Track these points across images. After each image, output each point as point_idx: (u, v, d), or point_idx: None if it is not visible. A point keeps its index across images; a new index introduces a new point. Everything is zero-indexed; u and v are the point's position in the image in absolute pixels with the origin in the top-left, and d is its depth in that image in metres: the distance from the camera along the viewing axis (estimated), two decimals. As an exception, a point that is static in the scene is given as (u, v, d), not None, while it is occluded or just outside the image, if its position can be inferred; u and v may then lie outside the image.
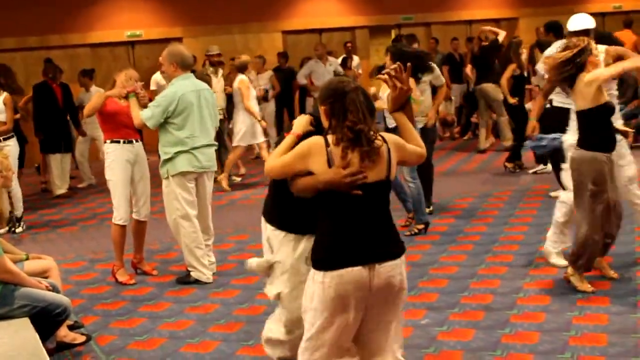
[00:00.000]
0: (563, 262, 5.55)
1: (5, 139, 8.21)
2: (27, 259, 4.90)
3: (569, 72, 4.94)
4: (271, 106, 12.47)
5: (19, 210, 8.43)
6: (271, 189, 3.66)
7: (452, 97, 13.39)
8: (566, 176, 5.51)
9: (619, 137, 5.34)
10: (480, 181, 9.49)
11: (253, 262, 3.66)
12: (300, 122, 3.38)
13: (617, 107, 5.51)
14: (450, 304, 5.12)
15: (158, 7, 14.92)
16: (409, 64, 3.36)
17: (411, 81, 3.57)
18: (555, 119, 6.31)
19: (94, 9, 14.36)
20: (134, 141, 6.15)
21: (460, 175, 10.02)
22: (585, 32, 5.46)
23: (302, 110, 12.87)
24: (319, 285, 3.13)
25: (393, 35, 15.60)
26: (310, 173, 3.15)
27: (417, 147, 3.34)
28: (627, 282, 5.25)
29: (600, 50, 5.42)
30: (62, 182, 10.38)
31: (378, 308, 3.20)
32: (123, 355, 4.69)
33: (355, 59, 13.91)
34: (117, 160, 6.06)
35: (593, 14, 6.77)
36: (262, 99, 11.53)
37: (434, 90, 7.60)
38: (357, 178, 3.07)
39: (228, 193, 9.76)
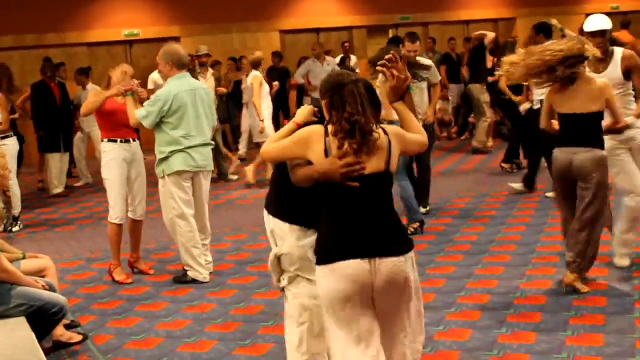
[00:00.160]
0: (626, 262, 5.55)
1: (2, 138, 8.19)
2: (24, 257, 4.88)
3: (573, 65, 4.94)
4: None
5: (16, 209, 8.41)
6: (274, 181, 3.62)
7: (450, 97, 13.41)
8: (620, 179, 5.45)
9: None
10: (477, 181, 9.50)
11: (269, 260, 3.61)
12: (302, 112, 3.39)
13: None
14: (446, 303, 5.12)
15: (155, 6, 14.92)
16: (403, 52, 3.34)
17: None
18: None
19: (91, 7, 14.36)
20: (131, 140, 6.14)
21: (457, 175, 10.02)
22: (601, 33, 5.42)
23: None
24: (320, 281, 3.12)
25: (390, 35, 15.62)
26: (309, 163, 3.14)
27: (417, 135, 3.31)
28: (623, 282, 5.25)
29: (617, 52, 5.45)
30: (60, 181, 10.38)
31: (384, 303, 3.14)
32: (119, 355, 4.68)
33: (353, 59, 13.89)
34: (114, 159, 6.05)
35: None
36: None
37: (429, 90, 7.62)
38: (353, 169, 3.04)
39: (225, 192, 9.75)
